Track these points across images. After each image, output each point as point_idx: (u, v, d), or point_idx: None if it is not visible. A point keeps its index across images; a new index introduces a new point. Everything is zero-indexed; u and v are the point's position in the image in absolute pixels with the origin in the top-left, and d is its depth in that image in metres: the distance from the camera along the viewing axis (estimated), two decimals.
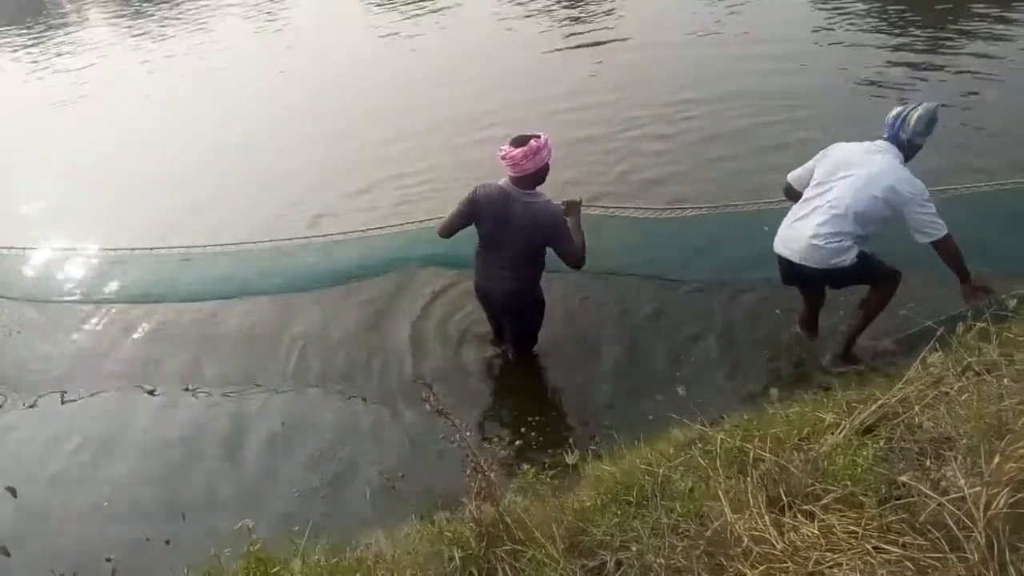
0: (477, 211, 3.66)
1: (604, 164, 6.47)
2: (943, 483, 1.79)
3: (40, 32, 17.42)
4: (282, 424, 4.07)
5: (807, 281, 3.74)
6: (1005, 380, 2.15)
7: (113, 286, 5.26)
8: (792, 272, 3.62)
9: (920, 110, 3.31)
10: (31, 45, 16.08)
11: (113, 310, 5.24)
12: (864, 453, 2.01)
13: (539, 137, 3.46)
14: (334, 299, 4.94)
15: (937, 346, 2.35)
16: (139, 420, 4.30)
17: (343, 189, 6.88)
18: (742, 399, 3.63)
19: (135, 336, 5.02)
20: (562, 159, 4.67)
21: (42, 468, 3.99)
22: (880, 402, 2.31)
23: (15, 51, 15.75)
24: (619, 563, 1.91)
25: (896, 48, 8.10)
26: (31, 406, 4.52)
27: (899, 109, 3.38)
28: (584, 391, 4.06)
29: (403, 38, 12.00)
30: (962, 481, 1.67)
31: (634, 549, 1.85)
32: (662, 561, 1.84)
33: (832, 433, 2.25)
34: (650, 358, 4.16)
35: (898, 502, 1.79)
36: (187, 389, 4.45)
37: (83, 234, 6.47)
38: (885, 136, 3.40)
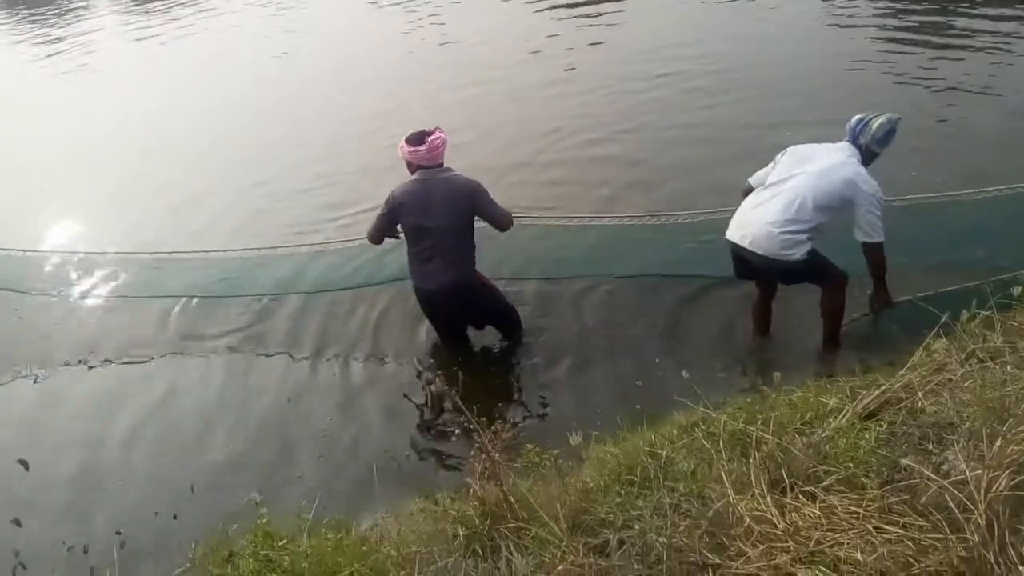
0: (398, 204, 3.74)
1: None
2: (944, 466, 1.81)
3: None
4: (288, 400, 4.11)
5: (758, 273, 3.75)
6: (1008, 367, 2.16)
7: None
8: (742, 263, 3.64)
9: (882, 118, 3.39)
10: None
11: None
12: (867, 436, 2.03)
13: (435, 132, 3.65)
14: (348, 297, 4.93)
15: (941, 333, 2.36)
16: (144, 395, 4.34)
17: None
18: (743, 386, 3.64)
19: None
20: None
21: (50, 440, 4.05)
22: (883, 388, 2.32)
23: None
24: (621, 541, 1.93)
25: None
26: (38, 380, 4.59)
27: (862, 115, 3.44)
28: (585, 378, 4.04)
29: None
30: (963, 464, 1.69)
31: (636, 528, 1.87)
32: (664, 540, 1.86)
33: (835, 417, 2.26)
34: (650, 347, 4.15)
35: (900, 484, 1.81)
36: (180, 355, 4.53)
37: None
38: (846, 139, 3.47)
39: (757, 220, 3.46)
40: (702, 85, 7.55)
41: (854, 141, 3.42)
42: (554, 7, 11.26)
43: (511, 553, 2.09)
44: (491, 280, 4.09)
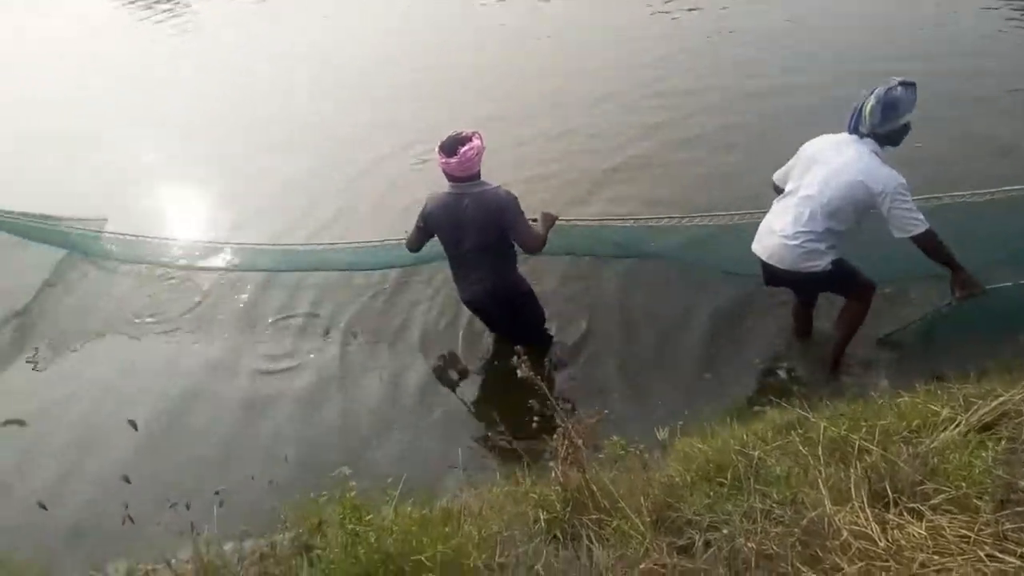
0: (432, 221, 3.66)
1: None
2: None
3: None
4: (380, 380, 4.27)
5: (786, 283, 3.55)
6: None
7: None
8: (769, 273, 3.42)
9: (872, 99, 2.99)
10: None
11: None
12: (983, 454, 1.88)
13: (470, 140, 3.42)
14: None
15: None
16: (246, 366, 4.58)
17: None
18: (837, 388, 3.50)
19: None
20: None
21: (159, 403, 4.31)
22: (1002, 399, 2.16)
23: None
24: (707, 543, 1.88)
25: None
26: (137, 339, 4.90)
27: (855, 102, 3.07)
28: (668, 369, 4.02)
29: None
30: None
31: (724, 532, 1.80)
32: (752, 545, 1.80)
33: (946, 428, 2.12)
34: (719, 342, 4.10)
35: (1018, 509, 1.67)
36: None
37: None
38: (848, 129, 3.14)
39: (773, 233, 3.28)
40: None
41: (856, 133, 3.08)
42: None
43: (591, 542, 2.07)
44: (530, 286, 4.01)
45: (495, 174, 3.70)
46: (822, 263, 3.17)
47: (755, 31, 8.77)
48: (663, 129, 6.78)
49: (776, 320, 4.11)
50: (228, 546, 2.48)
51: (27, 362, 4.99)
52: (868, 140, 3.06)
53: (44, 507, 2.33)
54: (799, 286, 3.61)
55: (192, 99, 9.98)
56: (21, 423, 4.21)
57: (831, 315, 3.75)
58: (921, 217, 2.98)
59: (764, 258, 3.33)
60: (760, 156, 5.01)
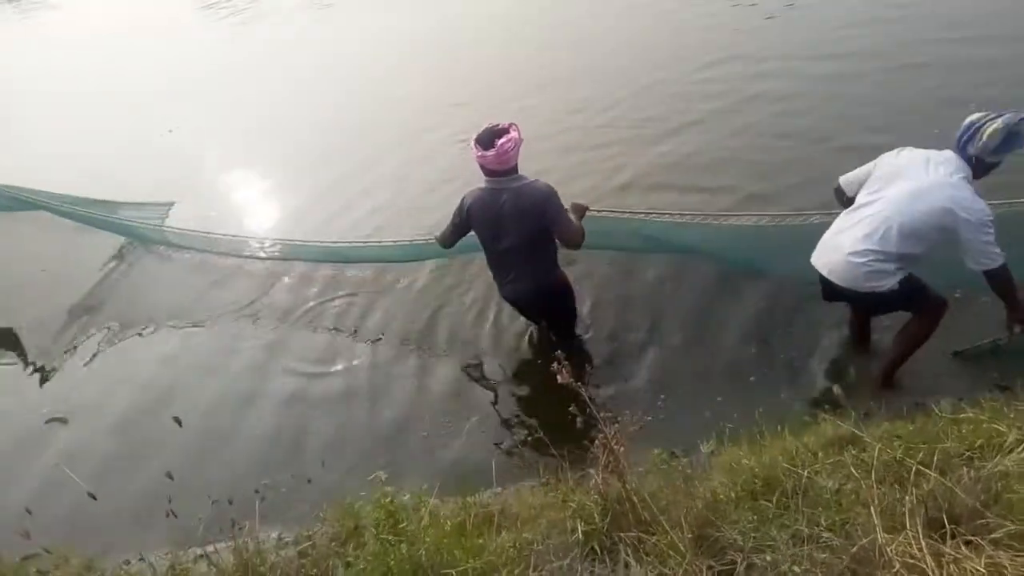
0: (470, 217, 3.58)
1: None
2: None
3: None
4: (415, 380, 4.29)
5: (847, 300, 3.33)
6: None
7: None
8: (830, 288, 3.20)
9: (998, 122, 2.76)
10: None
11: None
12: None
13: (508, 132, 3.31)
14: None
15: None
16: (284, 365, 4.65)
17: None
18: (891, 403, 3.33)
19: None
20: None
21: (199, 403, 4.41)
22: None
23: None
24: (750, 566, 1.81)
25: None
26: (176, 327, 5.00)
27: (975, 117, 2.84)
28: (710, 372, 3.91)
29: None
30: None
31: (769, 558, 1.73)
32: (797, 569, 1.72)
33: (1012, 451, 1.99)
34: (783, 346, 3.93)
35: None
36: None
37: None
38: (954, 148, 2.90)
39: (838, 248, 3.07)
40: None
41: (961, 151, 2.87)
42: None
43: (629, 557, 2.02)
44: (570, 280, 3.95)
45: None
46: (888, 283, 2.98)
47: None
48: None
49: (828, 324, 3.92)
50: (267, 543, 2.51)
51: (76, 355, 5.16)
52: (963, 165, 2.87)
53: (94, 497, 2.39)
54: (860, 303, 3.40)
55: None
56: (63, 421, 4.36)
57: (895, 327, 3.52)
58: (999, 251, 2.80)
59: (824, 274, 3.15)
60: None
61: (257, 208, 7.08)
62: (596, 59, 8.79)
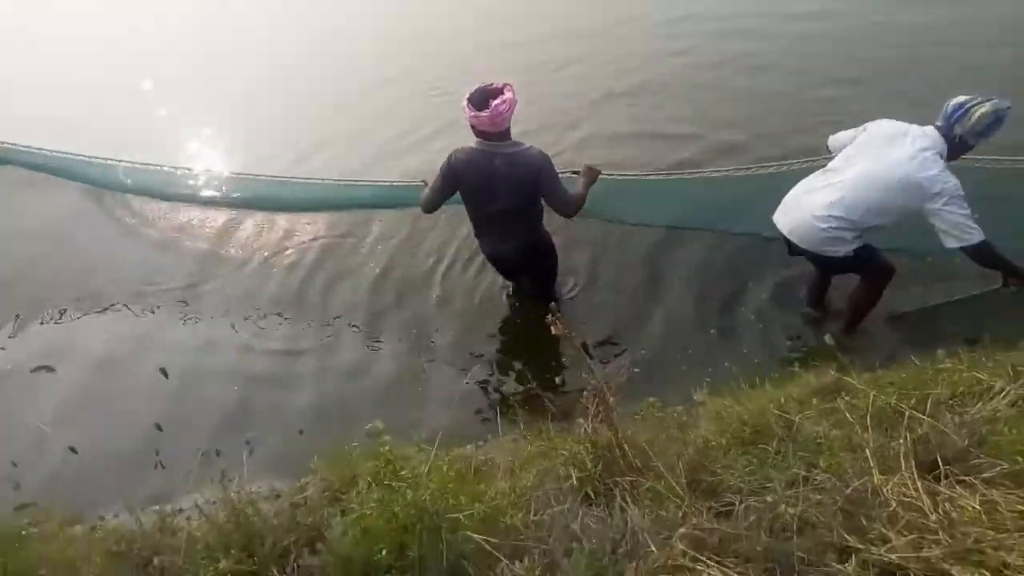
0: (458, 178, 3.48)
1: None
2: None
3: None
4: (413, 332, 4.28)
5: (805, 256, 3.40)
6: None
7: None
8: (789, 244, 3.29)
9: (987, 106, 2.81)
10: None
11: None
12: None
13: (501, 93, 3.22)
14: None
15: None
16: (271, 319, 4.59)
17: None
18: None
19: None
20: None
21: (188, 358, 4.30)
22: None
23: None
24: (748, 509, 1.84)
25: None
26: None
27: (964, 98, 2.87)
28: (682, 327, 4.01)
29: None
30: None
31: (769, 499, 1.76)
32: (793, 511, 1.76)
33: (995, 398, 2.05)
34: (751, 303, 4.04)
35: None
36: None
37: None
38: (937, 124, 2.93)
39: (802, 208, 3.12)
40: None
41: (947, 130, 2.90)
42: None
43: (625, 503, 2.05)
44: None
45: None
46: (843, 250, 3.05)
47: None
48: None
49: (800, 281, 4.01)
50: (258, 494, 2.49)
51: (53, 311, 4.99)
52: (940, 142, 2.89)
53: (75, 451, 2.35)
54: (815, 263, 3.47)
55: None
56: (50, 369, 4.24)
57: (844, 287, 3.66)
58: (976, 227, 2.82)
59: (785, 232, 3.21)
60: None
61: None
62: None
